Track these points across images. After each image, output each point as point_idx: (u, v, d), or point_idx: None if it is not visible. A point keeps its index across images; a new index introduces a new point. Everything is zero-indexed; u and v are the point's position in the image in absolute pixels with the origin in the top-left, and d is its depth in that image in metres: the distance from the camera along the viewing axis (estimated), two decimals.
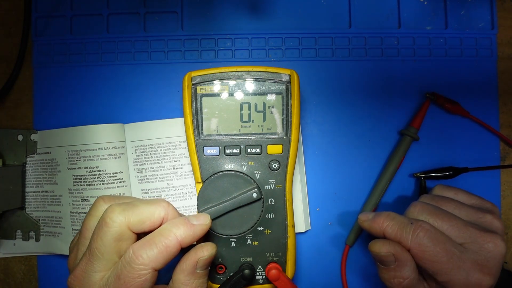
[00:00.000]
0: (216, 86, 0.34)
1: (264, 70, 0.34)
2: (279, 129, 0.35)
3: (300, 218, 0.40)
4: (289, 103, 0.34)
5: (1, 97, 0.41)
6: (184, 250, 0.29)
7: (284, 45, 0.42)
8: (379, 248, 0.31)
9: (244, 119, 0.34)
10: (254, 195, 0.33)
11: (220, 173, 0.34)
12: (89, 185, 0.38)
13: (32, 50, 0.42)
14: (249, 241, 0.34)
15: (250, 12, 0.42)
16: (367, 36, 0.42)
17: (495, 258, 0.30)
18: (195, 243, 0.31)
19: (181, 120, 0.39)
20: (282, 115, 0.35)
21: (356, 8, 0.42)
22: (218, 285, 0.34)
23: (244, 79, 0.34)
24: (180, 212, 0.39)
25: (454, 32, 0.42)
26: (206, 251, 0.29)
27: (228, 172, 0.34)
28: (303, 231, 0.40)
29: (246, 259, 0.34)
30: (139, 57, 0.42)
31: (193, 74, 0.34)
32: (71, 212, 0.39)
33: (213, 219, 0.32)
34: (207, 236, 0.34)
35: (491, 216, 0.32)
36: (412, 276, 0.30)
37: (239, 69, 0.34)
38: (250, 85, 0.34)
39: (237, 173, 0.34)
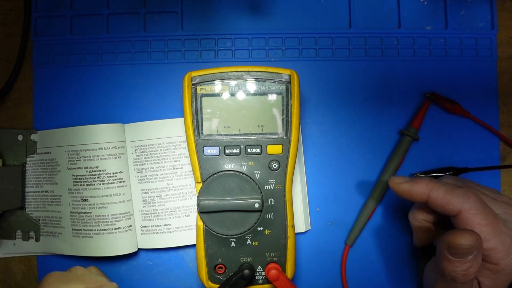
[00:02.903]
0: (216, 86, 0.34)
1: (264, 70, 0.34)
2: (279, 129, 0.35)
3: (300, 218, 0.40)
4: (289, 103, 0.34)
5: (1, 97, 0.41)
6: None
7: (284, 45, 0.42)
8: (468, 239, 0.27)
9: (244, 119, 0.34)
10: (256, 205, 0.33)
11: (231, 172, 0.34)
12: (89, 185, 0.38)
13: (32, 50, 0.42)
14: (249, 241, 0.34)
15: (250, 12, 0.42)
16: (367, 36, 0.42)
17: None
18: None
19: (181, 120, 0.39)
20: (282, 115, 0.35)
21: (356, 8, 0.42)
22: (218, 285, 0.34)
23: (244, 79, 0.34)
24: (176, 211, 0.39)
25: (454, 32, 0.42)
26: None
27: (238, 173, 0.34)
28: (303, 231, 0.40)
29: (245, 259, 0.34)
30: (139, 57, 0.42)
31: (193, 74, 0.34)
32: (71, 212, 0.39)
33: (209, 212, 0.33)
34: (206, 235, 0.34)
35: (507, 197, 0.32)
36: (481, 261, 0.29)
37: (239, 69, 0.34)
38: (250, 85, 0.34)
39: (247, 177, 0.34)
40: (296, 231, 0.37)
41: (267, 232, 0.34)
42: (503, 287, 0.30)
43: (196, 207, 0.35)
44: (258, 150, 0.34)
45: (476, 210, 0.29)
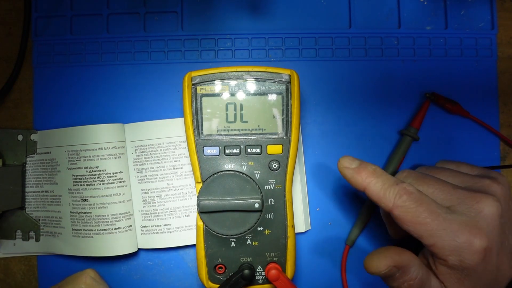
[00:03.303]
0: (216, 86, 0.34)
1: (264, 70, 0.34)
2: (279, 129, 0.35)
3: (300, 218, 0.40)
4: (289, 103, 0.34)
5: (1, 97, 0.41)
6: None
7: (284, 45, 0.42)
8: (377, 266, 0.29)
9: (244, 119, 0.34)
10: (256, 205, 0.33)
11: (231, 172, 0.34)
12: (89, 185, 0.38)
13: (32, 50, 0.42)
14: (249, 241, 0.34)
15: (250, 12, 0.42)
16: (367, 36, 0.42)
17: (486, 219, 0.28)
18: None
19: (181, 120, 0.39)
20: (282, 115, 0.35)
21: (356, 8, 0.42)
22: (218, 285, 0.34)
23: (244, 79, 0.34)
24: (176, 211, 0.39)
25: (454, 32, 0.42)
26: None
27: (238, 173, 0.34)
28: (303, 231, 0.40)
29: (246, 259, 0.34)
30: (139, 57, 0.42)
31: (193, 74, 0.34)
32: (71, 212, 0.39)
33: (209, 212, 0.33)
34: (206, 235, 0.34)
35: (490, 181, 0.30)
36: (421, 272, 0.29)
37: (239, 69, 0.34)
38: (250, 85, 0.34)
39: (247, 177, 0.34)
40: (296, 231, 0.37)
41: (267, 232, 0.34)
42: None
43: (196, 207, 0.35)
44: (258, 150, 0.34)
45: (407, 209, 0.28)
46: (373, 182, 0.30)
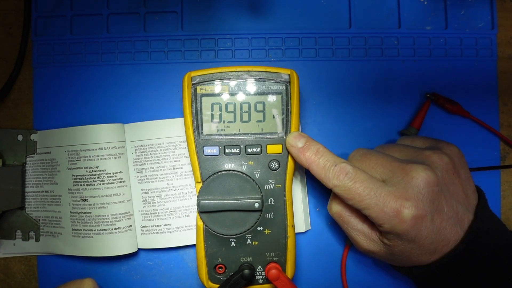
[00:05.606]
0: (216, 86, 0.34)
1: (264, 70, 0.34)
2: (279, 129, 0.35)
3: (300, 218, 0.40)
4: (289, 103, 0.34)
5: (1, 97, 0.41)
6: None
7: (284, 45, 0.42)
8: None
9: (243, 119, 0.34)
10: (256, 205, 0.33)
11: (231, 172, 0.34)
12: (89, 185, 0.38)
13: (32, 50, 0.42)
14: (249, 241, 0.34)
15: (250, 12, 0.42)
16: (367, 36, 0.42)
17: (414, 187, 0.30)
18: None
19: (181, 120, 0.39)
20: (282, 115, 0.35)
21: (356, 8, 0.42)
22: (218, 285, 0.34)
23: (244, 79, 0.34)
24: (176, 211, 0.39)
25: (454, 32, 0.42)
26: None
27: (237, 173, 0.34)
28: (303, 231, 0.40)
29: (246, 259, 0.34)
30: (139, 57, 0.42)
31: (193, 74, 0.34)
32: (71, 212, 0.39)
33: (209, 212, 0.33)
34: (206, 235, 0.34)
35: (430, 152, 0.32)
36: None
37: (239, 69, 0.34)
38: (250, 85, 0.34)
39: (247, 177, 0.34)
40: (296, 231, 0.37)
41: (267, 232, 0.34)
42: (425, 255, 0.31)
43: (196, 207, 0.35)
44: (258, 149, 0.34)
45: (344, 187, 0.31)
46: (316, 162, 0.32)
